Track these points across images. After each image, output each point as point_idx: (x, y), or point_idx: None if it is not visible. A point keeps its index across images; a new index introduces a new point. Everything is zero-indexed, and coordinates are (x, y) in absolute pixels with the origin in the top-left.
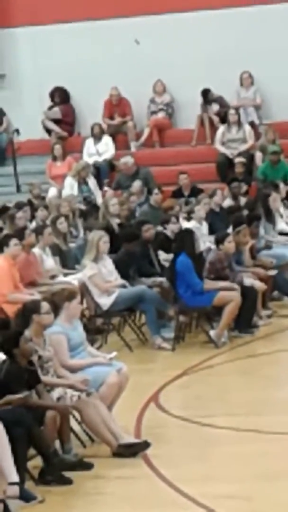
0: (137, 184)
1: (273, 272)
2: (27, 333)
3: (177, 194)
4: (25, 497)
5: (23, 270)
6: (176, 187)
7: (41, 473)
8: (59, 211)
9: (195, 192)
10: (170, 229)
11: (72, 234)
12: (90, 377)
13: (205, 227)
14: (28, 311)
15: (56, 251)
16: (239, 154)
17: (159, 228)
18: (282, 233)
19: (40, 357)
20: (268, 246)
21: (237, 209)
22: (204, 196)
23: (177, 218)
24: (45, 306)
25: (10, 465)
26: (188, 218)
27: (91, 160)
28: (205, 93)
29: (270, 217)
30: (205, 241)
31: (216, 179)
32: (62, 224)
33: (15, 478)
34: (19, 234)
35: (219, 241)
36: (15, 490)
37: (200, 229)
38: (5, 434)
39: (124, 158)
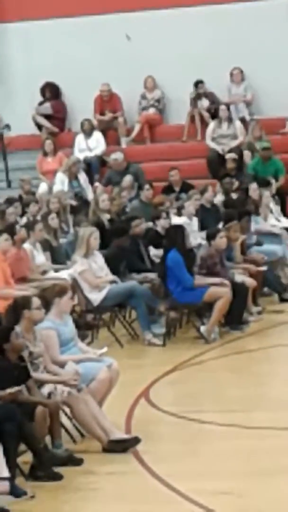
0: (127, 179)
1: (263, 268)
2: (18, 329)
3: (168, 190)
4: (15, 492)
5: (14, 266)
6: (167, 183)
7: (31, 469)
8: (49, 206)
9: (186, 188)
10: (161, 225)
11: (62, 230)
12: (80, 371)
13: (195, 223)
14: (19, 306)
15: (47, 246)
16: (230, 150)
17: (150, 224)
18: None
19: (31, 353)
20: (259, 243)
21: (231, 205)
22: (195, 192)
23: (168, 214)
24: (35, 301)
25: (0, 461)
26: (179, 214)
27: (81, 156)
28: (197, 84)
29: (256, 210)
30: (196, 237)
31: (207, 175)
32: (53, 220)
33: (5, 473)
34: (10, 229)
35: (210, 237)
36: (5, 485)
37: (190, 225)
38: None
39: (114, 154)
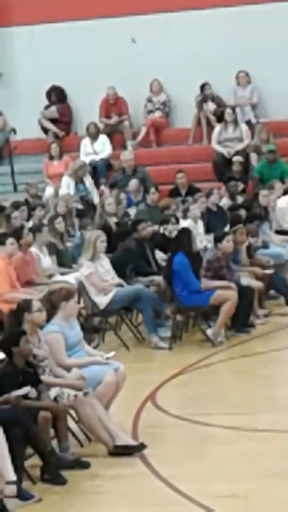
0: (133, 183)
1: (270, 271)
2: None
3: (174, 193)
4: (23, 496)
5: (20, 270)
6: (173, 186)
7: (42, 472)
8: (56, 210)
9: (192, 191)
10: (169, 230)
11: (69, 233)
12: (87, 376)
13: (201, 226)
14: (20, 310)
15: (53, 250)
16: (236, 153)
17: (156, 227)
18: (278, 232)
19: (35, 356)
20: (265, 245)
21: (237, 208)
22: (200, 195)
23: (177, 219)
24: (36, 304)
25: (7, 464)
26: (184, 217)
27: (87, 159)
28: (203, 86)
29: (266, 215)
30: (201, 240)
31: (213, 178)
32: (60, 224)
33: (12, 477)
34: (16, 233)
35: (217, 240)
36: (13, 489)
37: (196, 228)
38: (2, 434)
39: (124, 153)
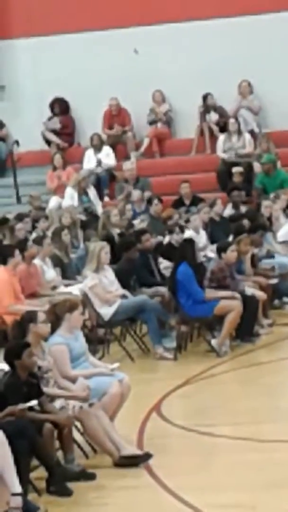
0: (136, 193)
1: (274, 281)
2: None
3: (178, 203)
4: (28, 508)
5: (24, 281)
6: (177, 196)
7: (47, 484)
8: (61, 222)
9: (196, 201)
10: (174, 240)
11: (73, 245)
12: (92, 387)
13: (203, 236)
14: (25, 321)
15: (58, 262)
16: (239, 161)
17: (160, 238)
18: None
19: (39, 368)
20: (270, 255)
21: (238, 218)
22: (203, 206)
23: (182, 229)
24: (41, 315)
25: (13, 476)
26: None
27: (92, 170)
28: (205, 97)
29: (270, 225)
30: (204, 251)
31: (216, 188)
32: (66, 236)
33: (18, 489)
34: (21, 245)
35: (221, 250)
36: (18, 501)
37: (197, 238)
38: (8, 445)
39: (126, 164)
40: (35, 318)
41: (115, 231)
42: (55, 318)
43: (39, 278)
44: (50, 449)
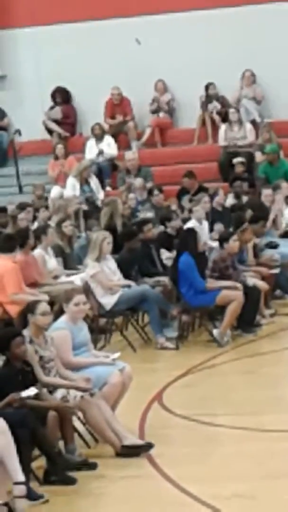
0: (138, 181)
1: (276, 271)
2: (26, 333)
3: (183, 192)
4: (32, 496)
5: (23, 272)
6: (179, 186)
7: (45, 473)
8: (66, 212)
9: (201, 191)
10: (171, 226)
11: (75, 235)
12: (93, 377)
13: (205, 226)
14: (26, 311)
15: (59, 252)
16: (238, 154)
17: (162, 227)
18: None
19: (41, 358)
20: (273, 245)
21: (239, 208)
22: (203, 195)
23: (177, 215)
24: (41, 307)
25: (16, 465)
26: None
27: (93, 160)
28: (207, 86)
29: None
30: (206, 241)
31: (218, 178)
32: (67, 227)
33: (21, 477)
34: (22, 234)
35: (223, 240)
36: (22, 489)
37: (200, 228)
38: (10, 434)
39: (128, 153)
40: (34, 309)
41: (119, 221)
42: (59, 309)
43: (37, 267)
44: (54, 437)
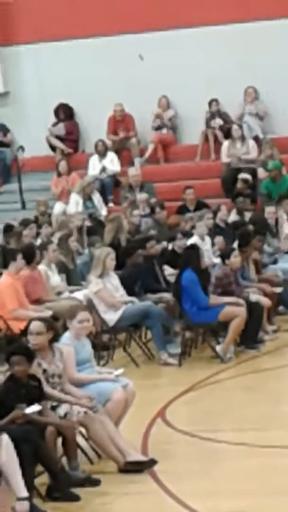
0: (141, 196)
1: (278, 290)
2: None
3: (183, 209)
4: None
5: (29, 287)
6: (181, 202)
7: (48, 490)
8: (69, 227)
9: (200, 207)
10: (177, 246)
11: (78, 251)
12: (96, 393)
13: (208, 242)
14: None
15: (63, 268)
16: (243, 167)
17: (165, 244)
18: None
19: (45, 371)
20: (273, 260)
21: (242, 224)
22: (206, 212)
23: (184, 234)
24: (34, 326)
25: (19, 481)
26: (190, 234)
27: (96, 177)
28: (211, 103)
29: (272, 231)
30: (209, 257)
31: (221, 194)
32: (73, 243)
33: (24, 493)
34: (28, 250)
35: (225, 256)
36: (25, 505)
37: (203, 244)
38: (14, 450)
39: (131, 169)
40: (28, 329)
41: (124, 237)
42: (61, 327)
43: (43, 284)
44: (53, 452)
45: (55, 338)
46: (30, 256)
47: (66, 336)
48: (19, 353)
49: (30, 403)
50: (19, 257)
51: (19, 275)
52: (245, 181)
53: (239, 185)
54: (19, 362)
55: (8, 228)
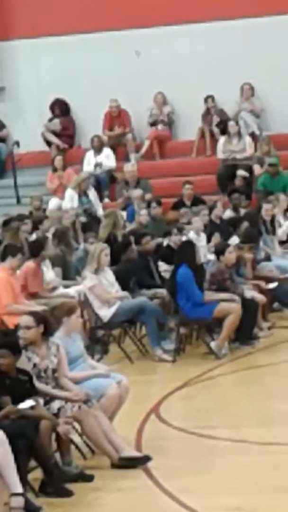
0: (137, 192)
1: (272, 286)
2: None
3: (179, 204)
4: (30, 508)
5: (29, 279)
6: (177, 198)
7: (41, 485)
8: (66, 222)
9: (197, 203)
10: (173, 241)
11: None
12: (90, 388)
13: (203, 238)
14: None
15: (58, 262)
16: (239, 167)
17: (160, 240)
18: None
19: (35, 365)
20: (267, 257)
21: (238, 221)
22: (202, 208)
23: (180, 230)
24: (23, 320)
25: (14, 476)
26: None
27: (92, 172)
28: (207, 99)
29: (267, 228)
30: (205, 253)
31: (216, 190)
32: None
33: (19, 488)
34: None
35: (219, 252)
36: (20, 501)
37: (198, 240)
38: (8, 445)
39: (127, 165)
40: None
41: (120, 233)
42: (55, 321)
43: (41, 279)
44: (48, 447)
45: (50, 332)
46: (39, 248)
47: (56, 336)
48: (4, 346)
49: (17, 398)
50: (19, 256)
51: (14, 270)
52: (244, 177)
53: (237, 181)
54: (4, 355)
55: (6, 223)
